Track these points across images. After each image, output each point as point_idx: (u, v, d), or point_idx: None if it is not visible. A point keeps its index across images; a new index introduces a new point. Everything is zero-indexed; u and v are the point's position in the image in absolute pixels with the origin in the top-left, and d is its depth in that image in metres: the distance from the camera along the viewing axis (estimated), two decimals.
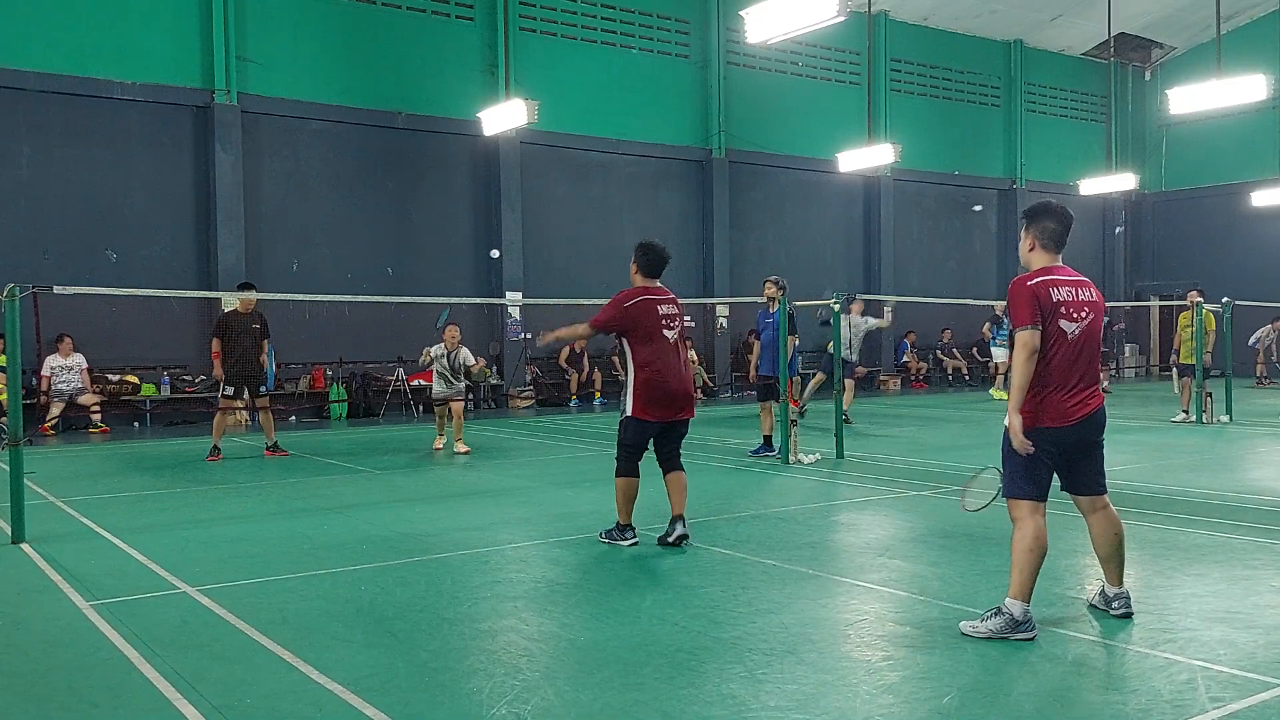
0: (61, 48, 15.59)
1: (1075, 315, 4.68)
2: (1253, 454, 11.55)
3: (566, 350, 19.53)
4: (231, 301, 15.17)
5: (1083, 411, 4.70)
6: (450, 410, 12.33)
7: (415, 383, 18.01)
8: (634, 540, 6.68)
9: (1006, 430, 4.73)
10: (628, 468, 6.67)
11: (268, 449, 12.14)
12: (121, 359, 16.09)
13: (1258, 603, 5.13)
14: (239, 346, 11.75)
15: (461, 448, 12.09)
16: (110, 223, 16.18)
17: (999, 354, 19.68)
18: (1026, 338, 4.60)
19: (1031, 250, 4.90)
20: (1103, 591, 5.06)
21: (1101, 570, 5.05)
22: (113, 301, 15.38)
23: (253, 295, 11.99)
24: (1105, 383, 21.54)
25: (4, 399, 12.78)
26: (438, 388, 12.43)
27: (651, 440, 6.71)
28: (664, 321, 6.73)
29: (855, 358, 15.35)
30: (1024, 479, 4.78)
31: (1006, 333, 19.61)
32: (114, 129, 16.18)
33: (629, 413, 6.61)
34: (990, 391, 19.87)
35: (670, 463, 6.78)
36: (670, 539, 6.59)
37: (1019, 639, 4.53)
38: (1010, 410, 4.67)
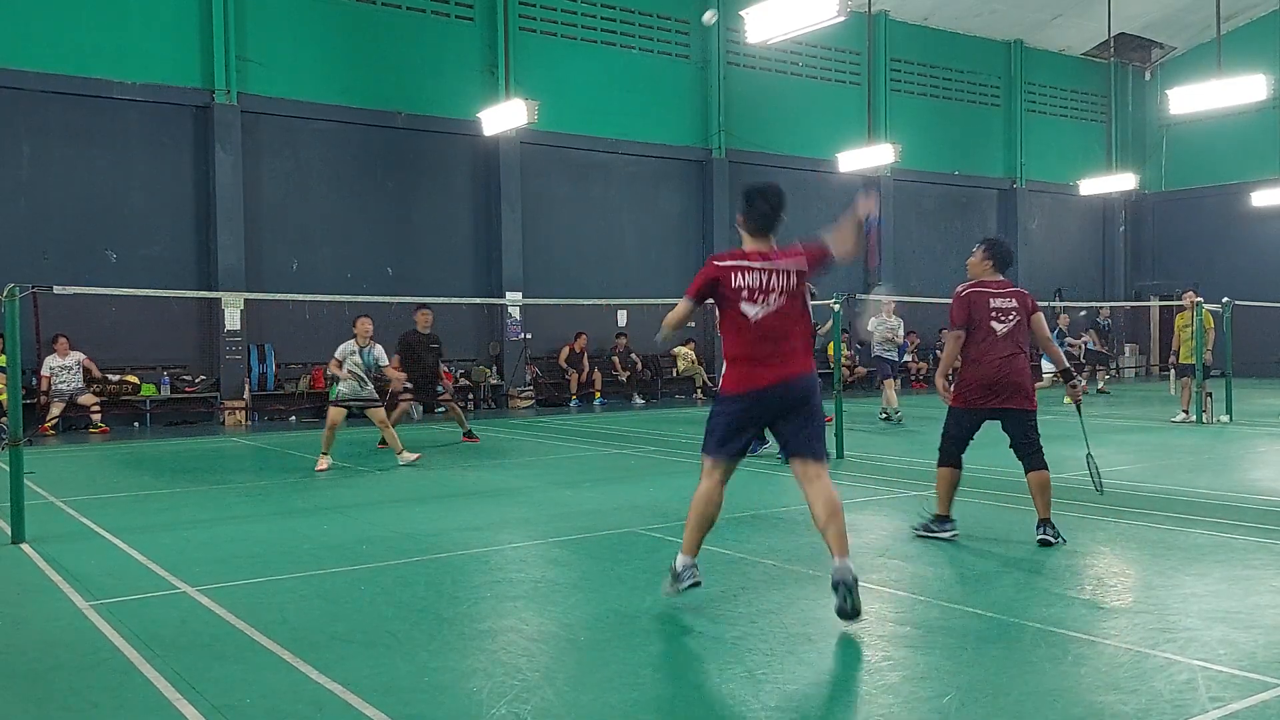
0: (61, 48, 15.59)
1: (757, 299, 4.99)
2: (1253, 454, 11.54)
3: (566, 350, 19.53)
4: (237, 302, 15.33)
5: (769, 379, 4.95)
6: (372, 419, 11.10)
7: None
8: (953, 532, 6.73)
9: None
10: (949, 458, 6.79)
11: (464, 435, 12.97)
12: (121, 359, 16.08)
13: (1258, 603, 5.13)
14: (421, 364, 12.83)
15: (407, 456, 10.95)
16: (110, 223, 16.18)
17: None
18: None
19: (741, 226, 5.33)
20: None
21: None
22: (113, 301, 15.38)
23: (428, 314, 13.00)
24: (1100, 383, 21.57)
25: (4, 399, 12.78)
26: (344, 390, 11.01)
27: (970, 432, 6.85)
28: (994, 315, 6.68)
29: (895, 356, 16.18)
30: (717, 440, 5.07)
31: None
32: (114, 129, 16.18)
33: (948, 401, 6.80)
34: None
35: (1032, 459, 6.70)
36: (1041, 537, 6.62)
37: (675, 591, 5.03)
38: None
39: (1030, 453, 6.68)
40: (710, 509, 5.09)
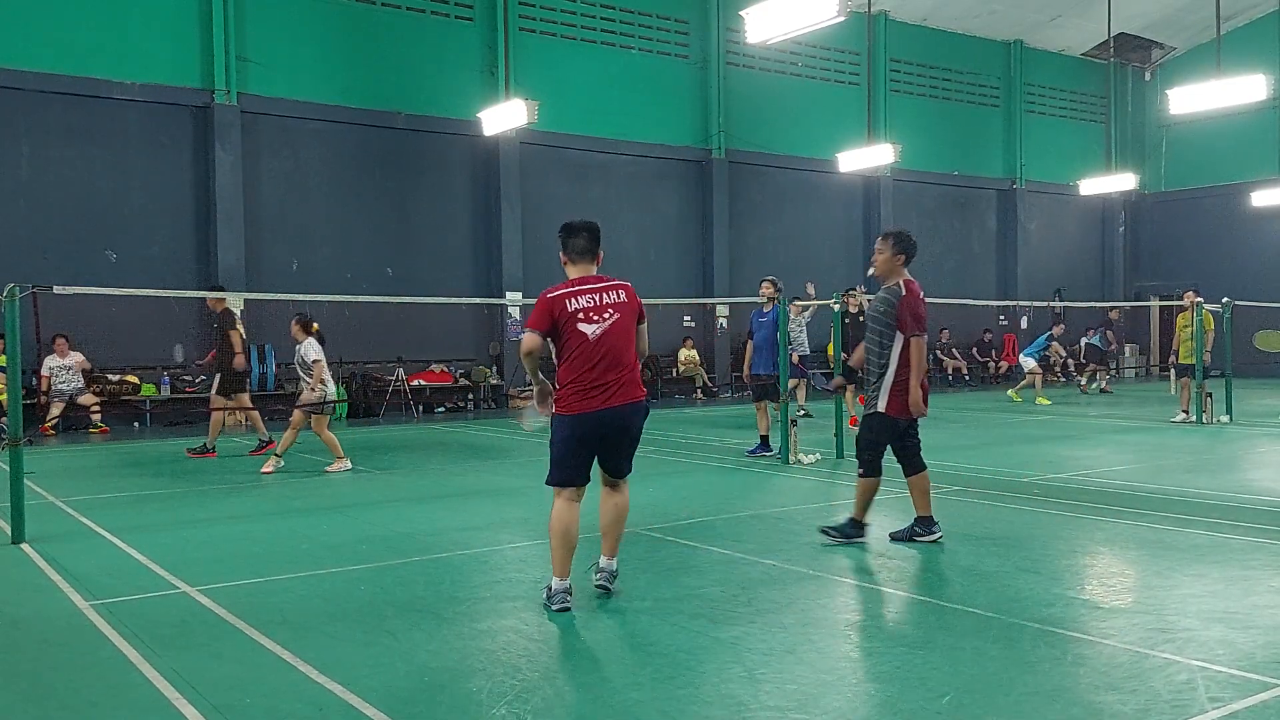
0: (61, 48, 15.59)
1: (594, 318, 5.32)
2: (1252, 454, 11.55)
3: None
4: (237, 302, 15.34)
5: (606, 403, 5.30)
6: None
7: (415, 383, 18.03)
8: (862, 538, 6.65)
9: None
10: (876, 467, 6.63)
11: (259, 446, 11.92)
12: (121, 359, 16.08)
13: (1256, 603, 5.14)
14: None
15: (337, 467, 10.58)
16: (110, 223, 16.18)
17: (1029, 363, 19.61)
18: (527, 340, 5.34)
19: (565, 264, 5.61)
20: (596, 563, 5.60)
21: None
22: (113, 301, 15.35)
23: (219, 295, 11.94)
24: (1103, 382, 21.56)
25: (4, 399, 12.77)
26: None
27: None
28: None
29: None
30: (561, 467, 5.47)
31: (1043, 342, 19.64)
32: (114, 129, 16.18)
33: (882, 408, 6.55)
34: (1009, 393, 19.78)
35: (915, 461, 6.72)
36: (906, 536, 6.65)
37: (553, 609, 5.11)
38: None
39: (916, 455, 6.75)
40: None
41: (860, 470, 6.63)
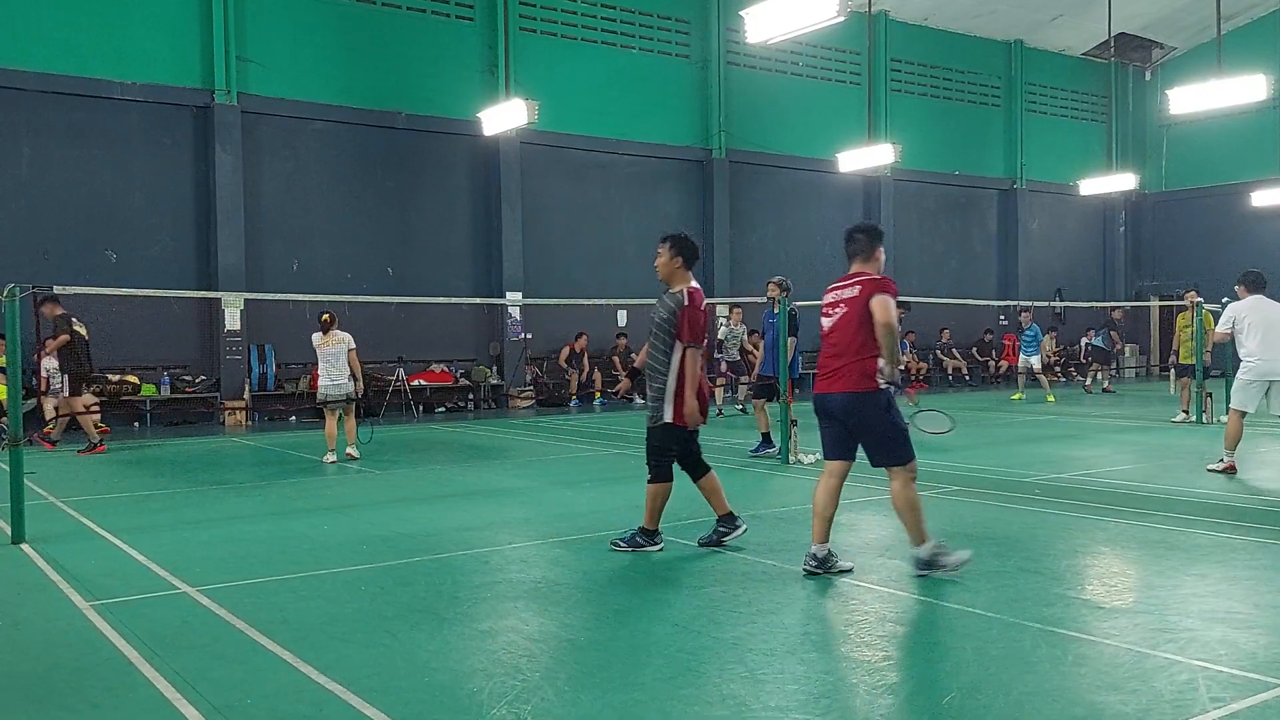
0: (61, 48, 15.59)
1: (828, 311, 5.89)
2: (1253, 454, 11.53)
3: (566, 350, 19.52)
4: (237, 302, 15.44)
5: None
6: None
7: (416, 382, 18.02)
8: (660, 545, 6.57)
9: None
10: (666, 473, 6.53)
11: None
12: (121, 359, 16.08)
13: (1258, 603, 5.13)
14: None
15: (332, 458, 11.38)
16: (110, 223, 16.18)
17: (1034, 361, 19.63)
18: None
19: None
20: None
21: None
22: (113, 301, 15.35)
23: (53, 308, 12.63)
24: (1105, 382, 21.56)
25: (4, 399, 12.77)
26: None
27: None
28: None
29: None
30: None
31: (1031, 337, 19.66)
32: (114, 129, 16.18)
33: (669, 419, 6.39)
34: (1012, 397, 19.80)
35: (700, 465, 6.68)
36: (713, 538, 6.60)
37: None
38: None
39: (699, 460, 6.70)
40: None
41: (650, 476, 6.50)
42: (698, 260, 6.64)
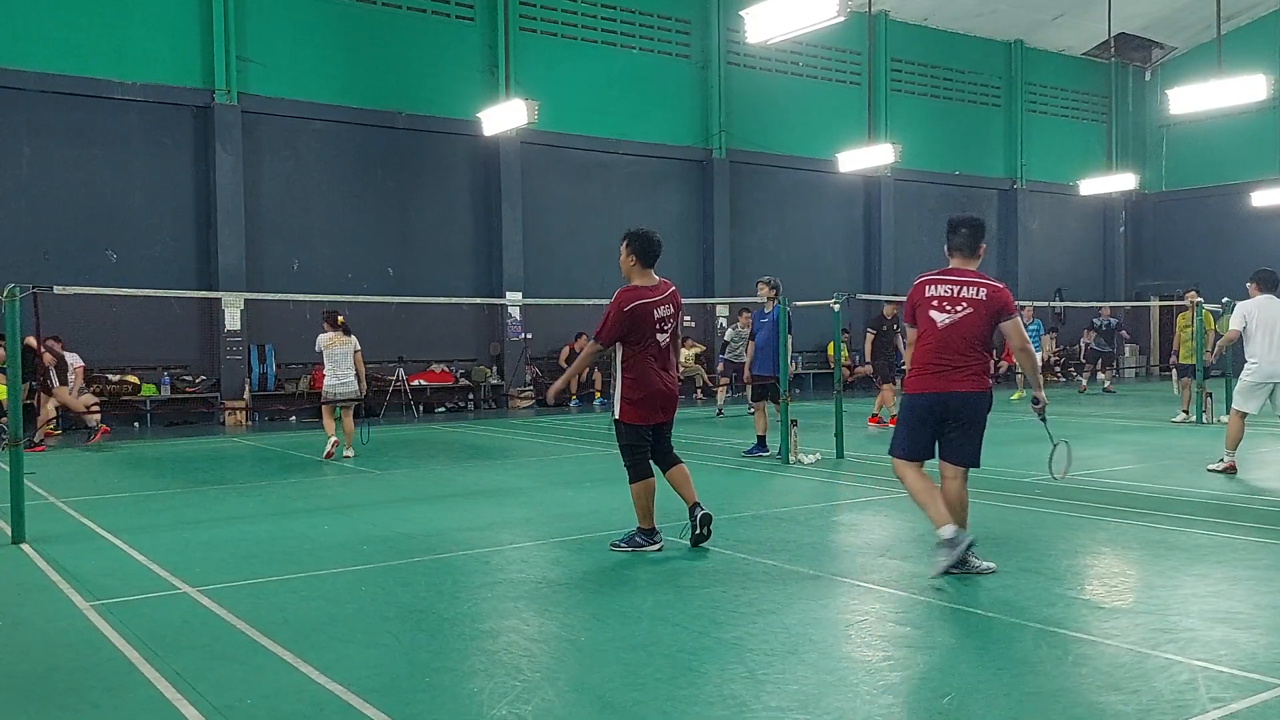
0: (61, 48, 15.59)
1: (946, 308, 5.82)
2: (1253, 454, 11.53)
3: (566, 350, 19.52)
4: (237, 302, 15.47)
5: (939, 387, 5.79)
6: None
7: (416, 382, 18.02)
8: (660, 544, 6.51)
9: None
10: (640, 471, 6.49)
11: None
12: (121, 359, 16.08)
13: (1259, 603, 5.13)
14: None
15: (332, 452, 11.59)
16: (110, 223, 16.18)
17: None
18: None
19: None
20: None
21: None
22: (113, 301, 15.36)
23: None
24: (1107, 382, 21.55)
25: (4, 399, 12.76)
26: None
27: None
28: (658, 325, 6.44)
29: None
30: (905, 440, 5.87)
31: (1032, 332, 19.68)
32: (114, 129, 16.18)
33: (618, 416, 6.44)
34: (1012, 397, 19.80)
35: (668, 459, 6.65)
36: (696, 531, 6.52)
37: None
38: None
39: (669, 453, 6.67)
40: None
41: (629, 477, 6.48)
42: (658, 257, 6.51)
